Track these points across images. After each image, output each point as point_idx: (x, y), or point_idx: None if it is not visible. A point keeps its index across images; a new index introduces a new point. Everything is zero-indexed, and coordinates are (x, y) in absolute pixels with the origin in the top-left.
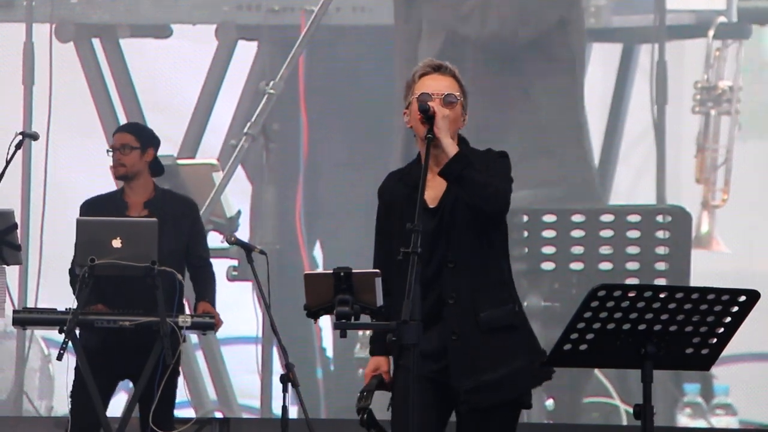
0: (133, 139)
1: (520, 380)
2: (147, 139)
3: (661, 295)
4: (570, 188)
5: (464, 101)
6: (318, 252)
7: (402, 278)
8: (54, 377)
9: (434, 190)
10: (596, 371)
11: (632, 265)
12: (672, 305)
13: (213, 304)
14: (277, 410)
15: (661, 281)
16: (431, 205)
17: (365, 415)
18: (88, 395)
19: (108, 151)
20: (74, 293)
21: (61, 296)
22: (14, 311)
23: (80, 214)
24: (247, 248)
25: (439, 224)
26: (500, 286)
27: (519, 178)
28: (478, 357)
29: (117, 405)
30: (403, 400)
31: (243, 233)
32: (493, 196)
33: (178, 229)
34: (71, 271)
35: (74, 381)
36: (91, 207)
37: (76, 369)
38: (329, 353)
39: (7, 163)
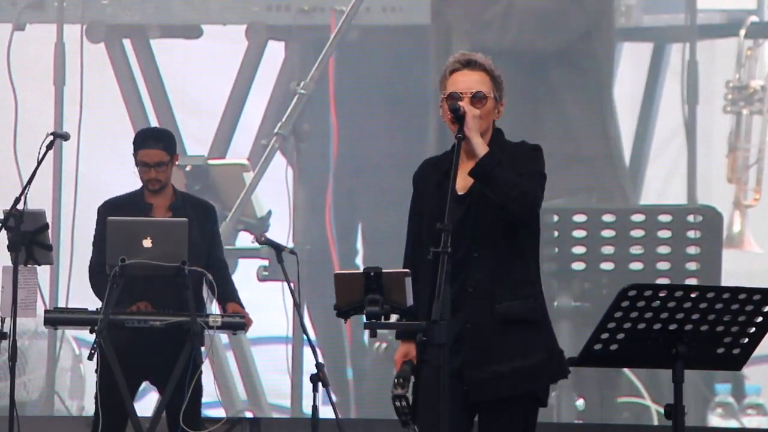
0: (165, 154)
1: (532, 376)
2: (173, 147)
3: (693, 295)
4: (602, 195)
5: (498, 93)
6: (360, 247)
7: (431, 276)
8: (85, 377)
9: (465, 179)
10: (627, 371)
11: (663, 265)
12: (703, 305)
13: (240, 303)
14: (307, 410)
15: (692, 281)
16: (460, 193)
17: (402, 402)
18: (112, 395)
19: (137, 165)
20: (94, 292)
21: (92, 296)
22: (45, 311)
23: (100, 215)
24: (277, 248)
25: (467, 212)
26: (522, 282)
27: (550, 186)
28: (490, 348)
29: (146, 405)
30: (431, 397)
31: (281, 232)
32: (521, 196)
33: (202, 232)
34: (92, 274)
35: (98, 382)
36: (112, 208)
37: (98, 370)
38: (360, 353)
39: (39, 163)
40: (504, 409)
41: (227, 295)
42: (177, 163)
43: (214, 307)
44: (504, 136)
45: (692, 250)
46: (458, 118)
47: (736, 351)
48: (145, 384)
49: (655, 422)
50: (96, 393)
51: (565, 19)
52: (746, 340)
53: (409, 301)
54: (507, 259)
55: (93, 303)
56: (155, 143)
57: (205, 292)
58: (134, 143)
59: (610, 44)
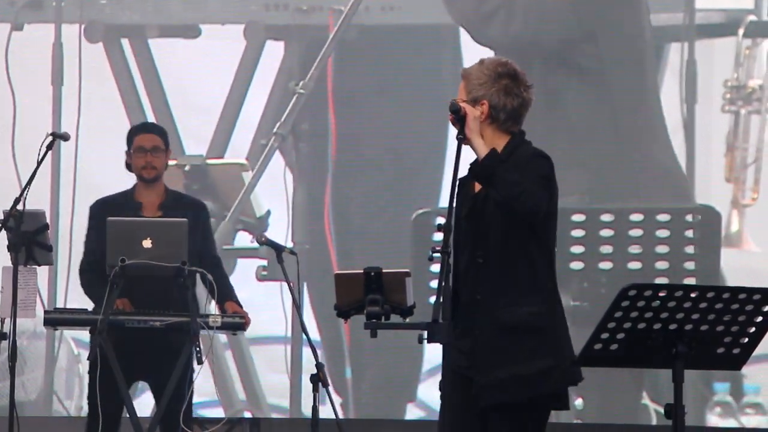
0: (162, 142)
1: (533, 382)
2: (167, 139)
3: (692, 295)
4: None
5: (478, 96)
6: (359, 247)
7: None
8: (83, 377)
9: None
10: (626, 370)
11: (661, 265)
12: (703, 305)
13: (238, 302)
14: (306, 410)
15: (690, 281)
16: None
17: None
18: (106, 397)
19: (129, 152)
20: (84, 291)
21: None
22: (45, 312)
23: (92, 214)
24: (277, 248)
25: (469, 215)
26: (527, 287)
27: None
28: (492, 354)
29: (142, 405)
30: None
31: (280, 232)
32: (522, 195)
33: (194, 231)
34: (82, 273)
35: (89, 383)
36: (104, 207)
37: (96, 372)
38: (360, 353)
39: (38, 163)
40: (508, 415)
41: (225, 294)
42: (173, 162)
43: (212, 307)
44: (525, 136)
45: (690, 249)
46: (459, 118)
47: (736, 351)
48: (140, 384)
49: (654, 422)
50: (89, 394)
51: (562, 16)
52: (746, 339)
53: (410, 301)
54: (510, 263)
55: (91, 303)
56: (153, 130)
57: (201, 291)
58: (129, 134)
59: (614, 48)
